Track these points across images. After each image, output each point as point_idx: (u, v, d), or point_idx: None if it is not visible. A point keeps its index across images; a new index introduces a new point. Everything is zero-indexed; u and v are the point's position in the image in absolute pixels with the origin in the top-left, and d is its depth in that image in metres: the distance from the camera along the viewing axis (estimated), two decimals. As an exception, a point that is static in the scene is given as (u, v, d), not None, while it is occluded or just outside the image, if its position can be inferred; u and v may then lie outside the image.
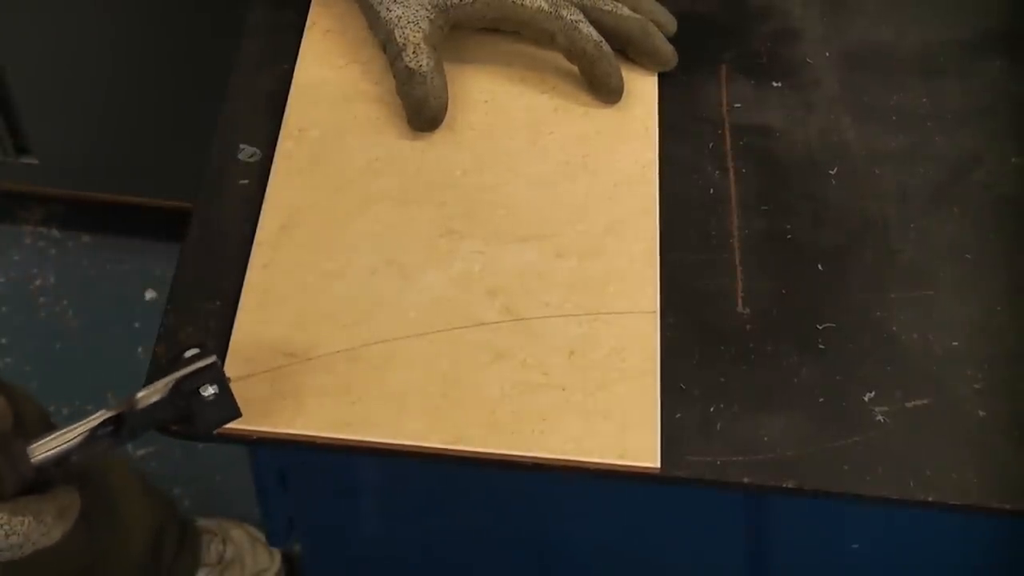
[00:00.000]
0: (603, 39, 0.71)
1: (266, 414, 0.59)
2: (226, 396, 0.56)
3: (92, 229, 1.58)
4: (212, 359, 0.56)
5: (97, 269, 1.56)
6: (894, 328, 0.65)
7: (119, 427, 0.55)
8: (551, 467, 0.59)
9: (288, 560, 1.30)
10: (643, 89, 0.73)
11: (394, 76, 0.70)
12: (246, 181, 0.68)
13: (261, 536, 1.29)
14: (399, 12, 0.69)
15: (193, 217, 0.67)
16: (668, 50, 0.73)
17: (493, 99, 0.72)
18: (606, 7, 0.72)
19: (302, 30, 0.74)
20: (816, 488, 0.59)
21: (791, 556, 0.77)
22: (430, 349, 0.62)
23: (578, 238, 0.66)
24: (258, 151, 0.69)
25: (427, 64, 0.68)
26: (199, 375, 0.56)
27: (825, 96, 0.74)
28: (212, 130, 0.70)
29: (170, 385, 0.56)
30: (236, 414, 0.57)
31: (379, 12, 0.70)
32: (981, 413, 0.62)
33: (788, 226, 0.68)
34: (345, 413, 0.59)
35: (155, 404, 0.56)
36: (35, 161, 1.42)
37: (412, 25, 0.69)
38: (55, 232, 1.59)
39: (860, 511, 0.68)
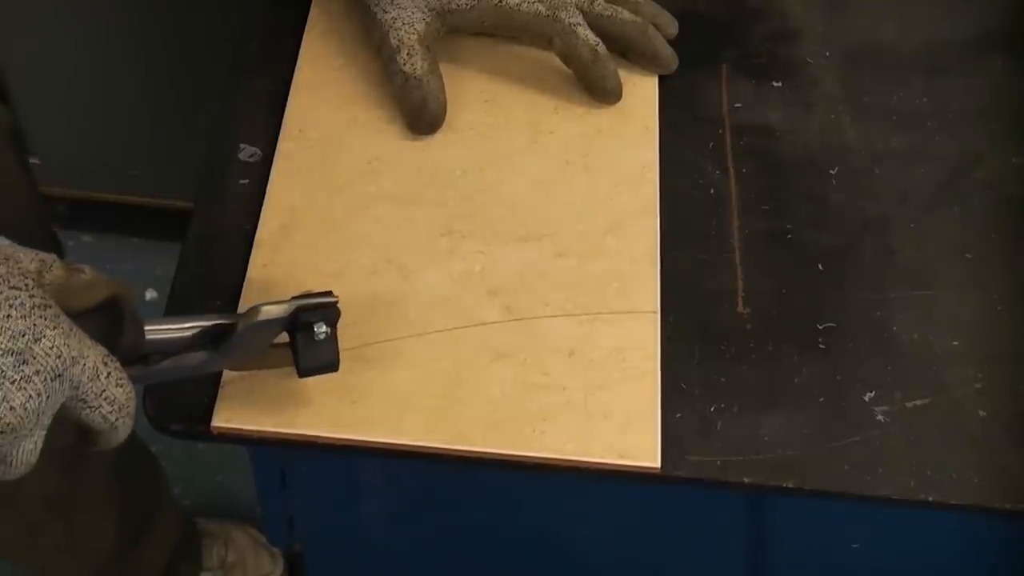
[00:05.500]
0: (600, 41, 0.71)
1: (266, 414, 0.59)
2: (333, 342, 0.56)
3: (92, 229, 1.58)
4: (337, 299, 0.56)
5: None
6: (894, 328, 0.65)
7: (222, 341, 0.54)
8: (551, 467, 0.59)
9: (290, 562, 1.30)
10: (643, 89, 0.73)
11: (389, 80, 0.70)
12: (246, 181, 0.68)
13: (263, 539, 1.29)
14: (394, 14, 0.69)
15: (193, 217, 0.67)
16: (669, 54, 0.73)
17: (493, 99, 0.72)
18: (606, 12, 0.72)
19: (302, 31, 0.74)
20: (816, 488, 0.59)
21: (791, 556, 0.76)
22: (430, 349, 0.62)
23: (578, 238, 0.66)
24: (258, 151, 0.69)
25: (421, 67, 0.68)
26: (319, 311, 0.55)
27: (825, 96, 0.74)
28: (212, 130, 0.70)
29: (292, 308, 0.55)
30: (335, 366, 0.56)
31: (375, 14, 0.70)
32: (981, 413, 0.62)
33: (788, 226, 0.68)
34: (346, 413, 0.59)
35: (270, 322, 0.54)
36: (36, 161, 1.42)
37: (407, 27, 0.69)
38: (55, 232, 1.58)
39: (860, 511, 0.68)
